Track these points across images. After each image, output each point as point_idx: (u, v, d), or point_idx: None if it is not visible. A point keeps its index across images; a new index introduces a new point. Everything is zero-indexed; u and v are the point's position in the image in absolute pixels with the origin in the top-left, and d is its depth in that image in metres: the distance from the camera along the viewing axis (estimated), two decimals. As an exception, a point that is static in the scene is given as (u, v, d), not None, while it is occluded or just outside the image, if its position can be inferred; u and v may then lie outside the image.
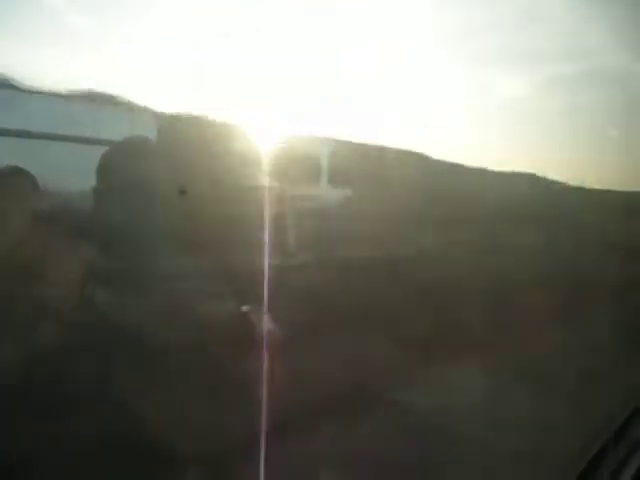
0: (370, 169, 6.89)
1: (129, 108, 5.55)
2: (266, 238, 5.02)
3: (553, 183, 10.44)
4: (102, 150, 5.35)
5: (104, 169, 5.21)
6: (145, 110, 5.49)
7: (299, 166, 6.04)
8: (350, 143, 6.97)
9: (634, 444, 1.57)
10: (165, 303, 4.03)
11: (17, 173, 5.32)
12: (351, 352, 3.71)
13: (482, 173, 9.16)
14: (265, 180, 5.37)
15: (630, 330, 4.32)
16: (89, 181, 5.30)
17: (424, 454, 2.63)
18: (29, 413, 2.56)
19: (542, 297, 4.77)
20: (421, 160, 8.27)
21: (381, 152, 7.24)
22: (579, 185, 10.08)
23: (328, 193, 6.72)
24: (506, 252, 6.19)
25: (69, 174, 5.19)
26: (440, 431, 2.88)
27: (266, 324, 3.80)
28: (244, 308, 3.93)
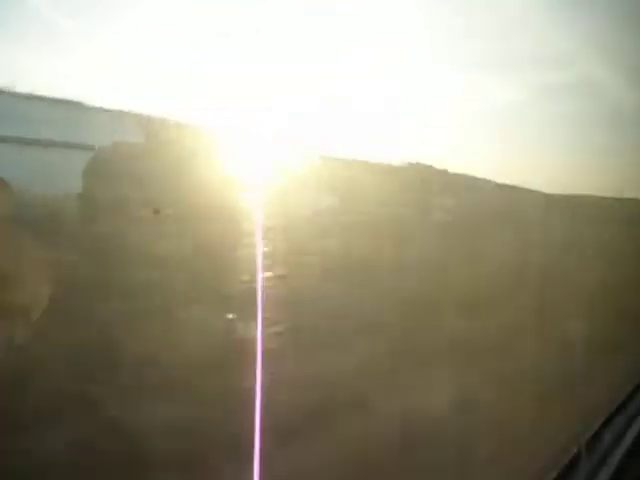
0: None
1: (116, 111, 5.51)
2: (255, 245, 5.05)
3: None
4: (83, 155, 5.31)
5: (88, 175, 5.20)
6: (133, 113, 5.46)
7: (288, 174, 6.06)
8: (336, 158, 7.04)
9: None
10: (148, 311, 4.07)
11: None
12: (335, 358, 3.78)
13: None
14: (254, 188, 5.38)
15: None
16: (68, 187, 5.28)
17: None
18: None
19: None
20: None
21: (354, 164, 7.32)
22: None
23: (317, 202, 6.75)
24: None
25: (47, 179, 5.16)
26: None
27: (251, 331, 3.86)
28: (229, 316, 3.98)
